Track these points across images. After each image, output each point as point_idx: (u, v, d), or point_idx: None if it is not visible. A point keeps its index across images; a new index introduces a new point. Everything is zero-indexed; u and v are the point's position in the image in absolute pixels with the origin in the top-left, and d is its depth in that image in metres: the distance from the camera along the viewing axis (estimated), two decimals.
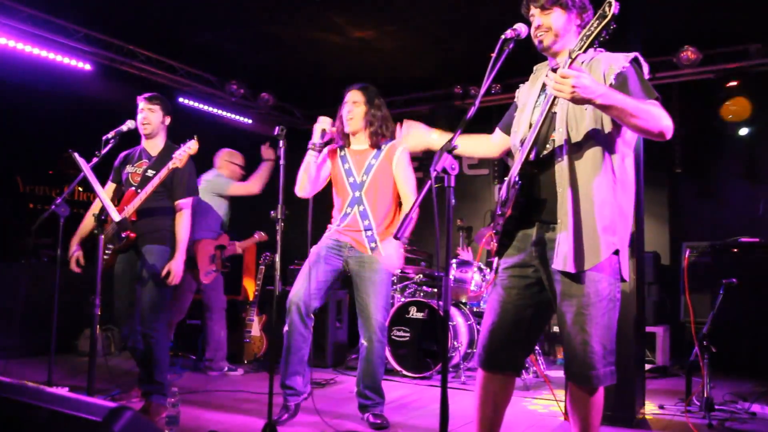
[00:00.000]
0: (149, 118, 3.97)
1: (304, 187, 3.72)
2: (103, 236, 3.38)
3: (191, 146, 3.79)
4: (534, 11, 2.39)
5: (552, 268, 2.28)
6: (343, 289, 6.04)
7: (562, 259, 2.24)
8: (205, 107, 7.40)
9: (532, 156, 2.34)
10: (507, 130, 2.62)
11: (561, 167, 2.27)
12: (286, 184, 3.28)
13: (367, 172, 3.71)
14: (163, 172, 3.77)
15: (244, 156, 5.83)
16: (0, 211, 6.32)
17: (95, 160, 3.75)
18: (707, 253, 5.78)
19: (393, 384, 5.03)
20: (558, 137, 2.30)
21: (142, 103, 4.01)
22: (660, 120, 2.14)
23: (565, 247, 2.23)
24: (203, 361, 5.49)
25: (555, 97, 2.19)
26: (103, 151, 3.87)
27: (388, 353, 5.31)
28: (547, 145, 2.33)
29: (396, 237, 2.18)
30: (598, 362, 2.23)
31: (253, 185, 5.57)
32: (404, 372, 5.29)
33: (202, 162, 4.72)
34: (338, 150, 3.84)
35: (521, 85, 2.65)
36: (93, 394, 3.29)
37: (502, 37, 2.32)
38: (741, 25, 5.64)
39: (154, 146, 4.04)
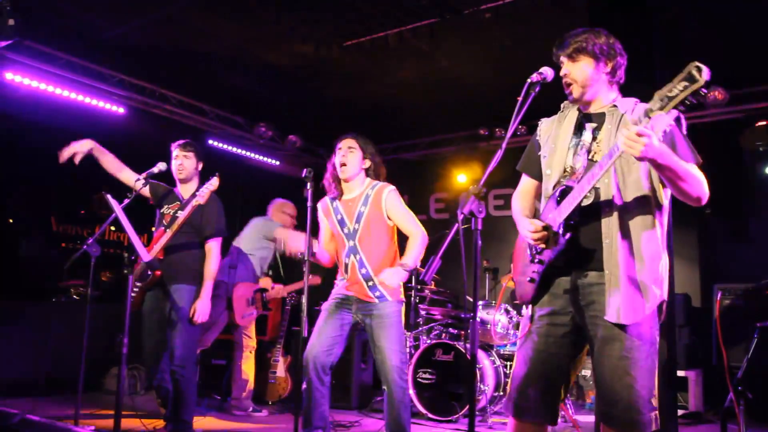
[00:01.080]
0: (185, 164, 4.09)
1: (323, 264, 3.83)
2: (132, 276, 3.45)
3: (213, 183, 3.90)
4: (562, 59, 2.39)
5: (605, 318, 2.23)
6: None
7: (615, 311, 2.21)
8: (234, 149, 7.53)
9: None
10: (538, 176, 2.55)
11: (609, 218, 2.26)
12: (313, 226, 3.31)
13: (357, 220, 3.68)
14: (188, 210, 3.85)
15: (274, 196, 5.90)
16: (33, 250, 6.44)
17: (127, 201, 3.84)
18: (740, 295, 5.65)
19: (418, 427, 4.96)
20: (603, 187, 2.28)
21: (176, 151, 4.13)
22: (702, 185, 2.19)
23: (618, 299, 2.21)
24: (228, 401, 5.48)
25: (592, 142, 2.26)
26: (135, 192, 3.97)
27: (413, 395, 5.24)
28: (589, 194, 2.29)
29: (422, 280, 2.18)
30: (644, 406, 2.19)
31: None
32: (429, 415, 5.21)
33: (231, 202, 4.79)
34: (330, 203, 3.82)
35: (542, 121, 2.59)
36: None
37: (528, 80, 2.33)
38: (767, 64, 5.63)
39: (187, 190, 4.13)
